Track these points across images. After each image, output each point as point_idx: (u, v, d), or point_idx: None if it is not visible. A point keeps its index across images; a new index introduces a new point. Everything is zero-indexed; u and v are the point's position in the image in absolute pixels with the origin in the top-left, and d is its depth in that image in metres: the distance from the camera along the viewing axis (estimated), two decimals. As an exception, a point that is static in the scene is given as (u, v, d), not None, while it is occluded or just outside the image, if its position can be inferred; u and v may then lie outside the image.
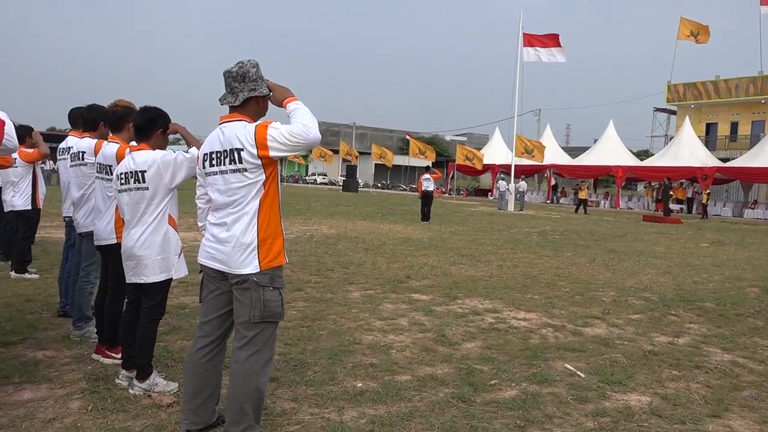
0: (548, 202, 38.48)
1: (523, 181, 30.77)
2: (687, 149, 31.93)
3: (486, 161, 37.79)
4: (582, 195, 28.92)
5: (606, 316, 5.99)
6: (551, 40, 29.20)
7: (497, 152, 40.39)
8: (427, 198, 17.89)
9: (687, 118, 34.94)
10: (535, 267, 9.22)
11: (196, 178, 2.96)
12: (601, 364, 4.39)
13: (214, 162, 2.69)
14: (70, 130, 4.94)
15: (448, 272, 8.31)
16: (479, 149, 42.24)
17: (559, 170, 37.78)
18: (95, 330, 4.38)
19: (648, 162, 35.30)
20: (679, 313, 6.35)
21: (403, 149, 62.61)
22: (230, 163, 2.62)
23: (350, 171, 44.78)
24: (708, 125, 41.42)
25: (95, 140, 4.29)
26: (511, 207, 27.50)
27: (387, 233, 13.48)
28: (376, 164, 50.67)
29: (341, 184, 47.53)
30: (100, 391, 3.37)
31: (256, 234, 2.62)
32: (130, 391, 3.36)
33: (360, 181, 49.05)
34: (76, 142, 4.59)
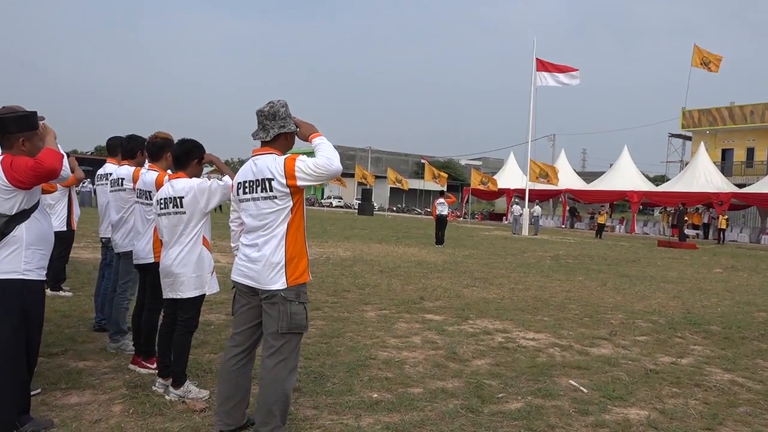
0: (563, 226, 38.55)
1: (537, 206, 30.95)
2: (702, 175, 31.97)
3: (501, 185, 38.11)
4: (601, 220, 29.05)
5: (613, 338, 6.21)
6: (567, 69, 29.59)
7: (512, 177, 40.64)
8: (441, 222, 18.20)
9: (702, 143, 35.01)
10: (546, 290, 9.44)
11: (230, 203, 3.31)
12: (604, 380, 4.62)
13: (247, 190, 3.04)
14: (108, 157, 5.36)
15: (460, 294, 8.56)
16: (494, 173, 42.66)
17: (574, 195, 37.92)
18: (131, 343, 4.73)
19: (663, 187, 35.32)
20: (685, 335, 6.54)
21: (418, 173, 63.24)
22: (262, 191, 2.97)
23: (366, 194, 45.26)
24: (724, 151, 41.39)
25: (133, 167, 4.68)
26: (525, 231, 27.67)
27: (401, 256, 13.77)
28: (391, 188, 51.18)
29: (357, 207, 48.01)
30: (139, 396, 3.70)
31: (284, 254, 2.95)
32: (166, 397, 3.67)
33: (375, 204, 49.48)
34: (114, 169, 4.99)
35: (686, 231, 27.98)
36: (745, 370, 5.21)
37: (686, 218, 28.69)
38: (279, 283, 2.94)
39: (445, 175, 35.40)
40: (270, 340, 2.97)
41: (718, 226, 29.53)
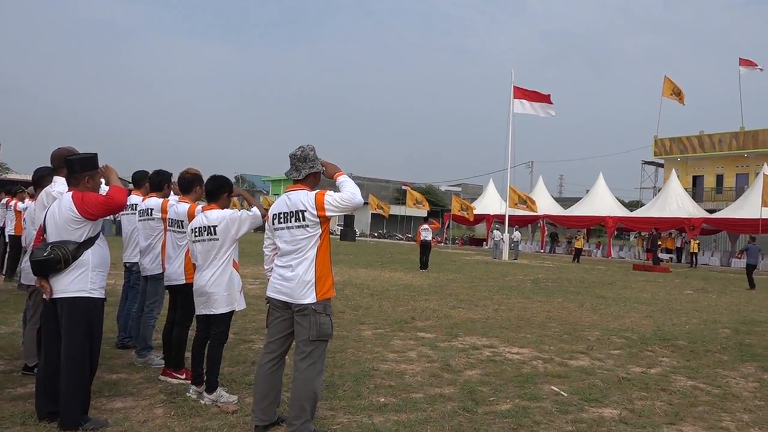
0: (542, 251, 39.46)
1: (517, 231, 31.78)
2: (675, 201, 33.19)
3: (480, 211, 39.00)
4: (578, 245, 29.98)
5: (589, 352, 6.82)
6: (543, 98, 30.76)
7: (491, 203, 41.58)
8: (425, 247, 18.82)
9: (674, 170, 36.37)
10: (528, 311, 10.06)
11: (259, 230, 3.88)
12: (582, 386, 5.22)
13: (282, 220, 3.61)
14: (134, 190, 5.90)
15: (448, 315, 9.14)
16: (474, 199, 43.61)
17: (552, 220, 38.92)
18: (156, 357, 5.22)
19: (637, 213, 36.50)
20: (655, 349, 7.19)
21: (399, 199, 64.02)
22: (295, 221, 3.54)
23: (348, 220, 45.82)
24: (694, 177, 42.93)
25: (161, 199, 5.22)
26: (505, 256, 28.41)
27: (389, 280, 14.32)
28: (372, 214, 51.85)
29: (339, 233, 48.53)
30: (177, 401, 4.20)
31: (314, 273, 3.52)
32: (201, 401, 4.18)
33: (357, 230, 50.02)
34: (140, 200, 5.53)
35: (660, 255, 28.97)
36: (706, 377, 5.84)
37: (660, 242, 29.71)
38: (310, 298, 3.50)
39: (426, 202, 36.17)
40: (301, 346, 3.52)
41: (691, 250, 30.60)
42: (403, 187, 47.81)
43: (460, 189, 74.53)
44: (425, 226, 19.49)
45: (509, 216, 31.73)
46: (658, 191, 39.66)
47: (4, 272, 10.97)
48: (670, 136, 42.84)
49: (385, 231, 62.62)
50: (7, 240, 11.01)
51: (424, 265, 18.43)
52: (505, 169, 32.72)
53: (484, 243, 43.13)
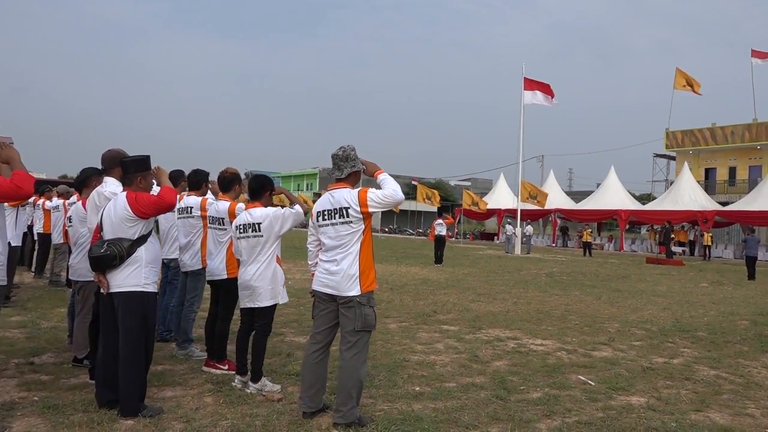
0: (554, 245, 39.49)
1: (528, 225, 31.85)
2: (687, 194, 33.10)
3: (491, 206, 39.05)
4: (586, 238, 30.01)
5: (611, 343, 6.97)
6: (546, 89, 30.80)
7: (502, 197, 41.63)
8: (439, 242, 18.98)
9: (686, 163, 36.29)
10: (546, 304, 10.21)
11: (301, 227, 4.06)
12: (608, 376, 5.38)
13: (326, 217, 3.79)
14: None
15: (469, 308, 9.31)
16: (484, 194, 43.60)
17: (563, 214, 38.93)
18: (197, 350, 5.43)
19: (650, 206, 36.43)
20: (675, 340, 7.32)
21: (409, 194, 64.20)
22: (339, 218, 3.73)
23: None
24: (707, 170, 42.77)
25: (200, 198, 5.42)
26: (518, 250, 28.52)
27: (406, 275, 14.51)
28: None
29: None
30: (224, 390, 4.40)
31: (358, 267, 3.70)
32: (247, 390, 4.38)
33: (368, 225, 50.10)
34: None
35: (673, 248, 28.94)
36: (728, 367, 5.98)
37: (673, 236, 29.69)
38: (354, 291, 3.68)
39: (437, 197, 36.20)
40: (347, 336, 3.71)
41: (704, 243, 30.56)
42: (413, 183, 47.86)
43: (469, 183, 74.56)
44: (439, 221, 19.64)
45: (521, 210, 31.81)
46: (670, 184, 39.58)
47: (33, 269, 11.24)
48: (681, 129, 42.68)
49: (395, 226, 62.83)
50: (35, 238, 11.27)
51: (438, 259, 18.59)
52: (516, 164, 32.82)
53: (495, 237, 43.23)
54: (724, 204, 34.13)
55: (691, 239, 34.02)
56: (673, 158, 45.53)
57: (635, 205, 36.81)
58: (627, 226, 37.02)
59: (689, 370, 5.75)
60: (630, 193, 40.13)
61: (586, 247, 29.45)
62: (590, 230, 32.20)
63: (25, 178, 3.34)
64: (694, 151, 42.29)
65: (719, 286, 15.24)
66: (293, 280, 11.45)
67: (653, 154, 46.90)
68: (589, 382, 5.15)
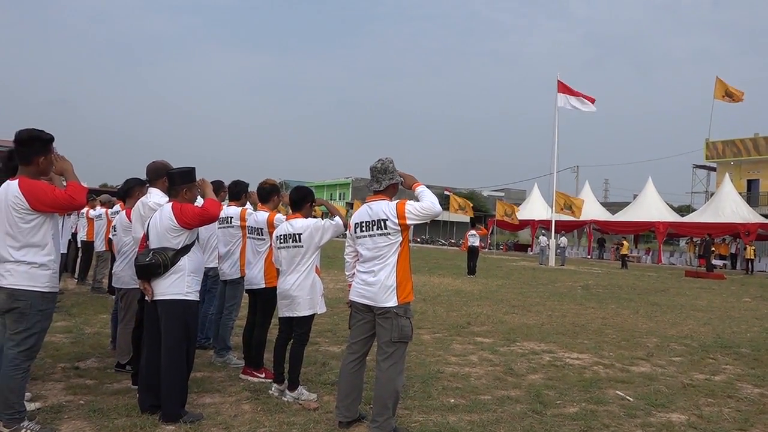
0: (589, 257, 38.85)
1: (563, 237, 31.43)
2: (728, 205, 32.21)
3: (525, 216, 38.66)
4: (624, 250, 29.48)
5: (650, 358, 6.84)
6: (586, 97, 30.39)
7: (536, 208, 41.19)
8: (472, 253, 18.87)
9: (727, 174, 35.36)
10: (582, 317, 10.07)
11: (341, 237, 4.12)
12: (647, 392, 5.28)
13: (364, 228, 3.85)
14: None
15: (503, 320, 9.24)
16: (517, 204, 43.21)
17: (599, 226, 38.30)
18: (234, 357, 5.53)
19: (689, 218, 35.58)
20: (717, 356, 7.14)
21: (442, 205, 63.73)
22: (377, 229, 3.77)
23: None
24: (749, 181, 41.49)
25: (240, 208, 5.54)
26: (552, 262, 28.16)
27: (438, 286, 14.47)
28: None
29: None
30: (261, 398, 4.47)
31: (395, 278, 3.74)
32: (283, 398, 4.44)
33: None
34: (216, 208, 5.86)
35: (714, 261, 28.21)
36: (773, 385, 5.80)
37: (713, 248, 28.94)
38: (391, 302, 3.71)
39: (470, 208, 35.99)
40: (384, 347, 3.74)
41: (746, 257, 29.72)
42: (446, 193, 47.72)
43: (503, 194, 73.98)
44: (472, 231, 19.54)
45: (555, 221, 31.42)
46: (711, 196, 38.58)
47: (76, 276, 11.59)
48: (722, 139, 41.59)
49: (428, 236, 62.68)
50: (79, 245, 11.64)
51: (471, 270, 18.48)
52: (550, 174, 32.47)
53: (529, 249, 42.74)
54: (767, 216, 33.11)
55: (733, 252, 33.08)
56: (714, 169, 44.37)
57: (674, 217, 35.99)
58: (665, 239, 36.20)
59: (732, 388, 5.61)
60: (668, 204, 39.26)
61: (623, 259, 28.91)
62: (626, 241, 31.65)
63: (79, 189, 3.50)
64: (735, 161, 41.10)
65: (763, 301, 14.77)
66: (327, 290, 11.54)
67: (693, 164, 45.80)
68: (627, 397, 5.06)
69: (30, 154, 3.50)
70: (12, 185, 3.46)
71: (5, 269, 3.44)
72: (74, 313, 7.87)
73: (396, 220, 3.72)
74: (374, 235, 3.79)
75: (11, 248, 3.44)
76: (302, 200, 4.58)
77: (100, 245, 10.28)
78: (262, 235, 4.99)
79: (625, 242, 30.79)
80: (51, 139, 3.56)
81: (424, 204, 3.72)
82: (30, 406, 3.89)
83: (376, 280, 3.76)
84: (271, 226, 4.85)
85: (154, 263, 3.88)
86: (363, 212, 3.90)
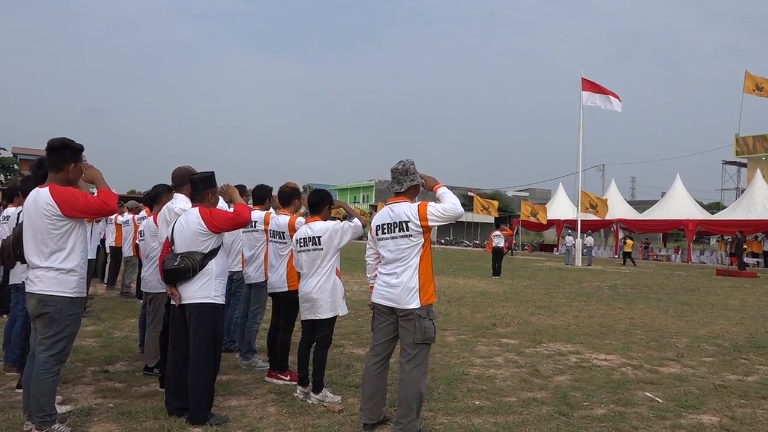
0: (616, 256, 38.26)
1: (589, 236, 31.01)
2: (760, 202, 31.40)
3: (550, 216, 38.21)
4: (627, 248, 29.27)
5: (680, 359, 6.70)
6: (611, 93, 30.02)
7: (562, 207, 40.72)
8: (497, 254, 18.74)
9: (758, 170, 34.50)
10: (609, 317, 9.92)
11: (361, 239, 4.12)
12: (677, 393, 5.18)
13: (385, 230, 3.84)
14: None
15: (528, 321, 9.15)
16: (542, 204, 42.77)
17: (626, 224, 37.71)
18: (260, 360, 5.57)
19: (719, 215, 34.80)
20: (750, 357, 6.97)
21: (466, 205, 63.50)
22: (399, 231, 3.77)
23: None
24: (781, 177, 40.46)
25: (264, 212, 5.58)
26: (578, 262, 27.81)
27: (463, 287, 14.40)
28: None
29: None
30: (286, 401, 4.50)
31: (417, 280, 3.73)
32: (308, 401, 4.46)
33: (425, 237, 49.95)
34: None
35: (746, 259, 27.55)
36: (809, 386, 5.64)
37: (745, 246, 28.26)
38: (414, 304, 3.71)
39: (496, 203, 35.63)
40: (407, 349, 3.73)
41: (780, 254, 28.97)
42: (470, 194, 47.40)
43: (527, 194, 73.34)
44: (497, 232, 19.41)
45: (581, 221, 31.03)
46: (742, 192, 37.71)
47: (105, 281, 11.81)
48: (753, 134, 40.63)
49: (452, 237, 62.43)
50: (107, 251, 11.86)
51: (496, 271, 18.36)
52: (575, 173, 32.09)
53: (555, 249, 42.27)
54: (801, 212, 32.19)
55: (766, 250, 32.23)
56: (744, 165, 43.37)
57: (703, 215, 35.24)
58: (695, 237, 35.47)
59: (766, 389, 5.46)
60: (698, 201, 38.49)
61: (626, 256, 28.76)
62: (631, 239, 31.47)
63: (110, 196, 3.60)
64: (767, 157, 40.14)
65: (798, 299, 14.37)
66: (350, 292, 11.57)
67: (722, 161, 44.86)
68: (657, 399, 4.97)
69: (61, 161, 3.59)
70: (42, 192, 3.54)
71: (35, 275, 3.52)
72: (103, 318, 8.02)
73: (418, 222, 3.72)
74: (396, 237, 3.79)
75: (41, 254, 3.52)
76: (320, 203, 4.60)
77: (128, 251, 10.46)
78: (284, 238, 5.02)
79: (629, 240, 30.56)
80: (81, 148, 3.66)
81: (446, 205, 3.70)
82: (61, 409, 3.97)
83: (399, 282, 3.75)
84: (292, 229, 4.88)
85: (183, 268, 3.92)
86: (384, 214, 3.90)
